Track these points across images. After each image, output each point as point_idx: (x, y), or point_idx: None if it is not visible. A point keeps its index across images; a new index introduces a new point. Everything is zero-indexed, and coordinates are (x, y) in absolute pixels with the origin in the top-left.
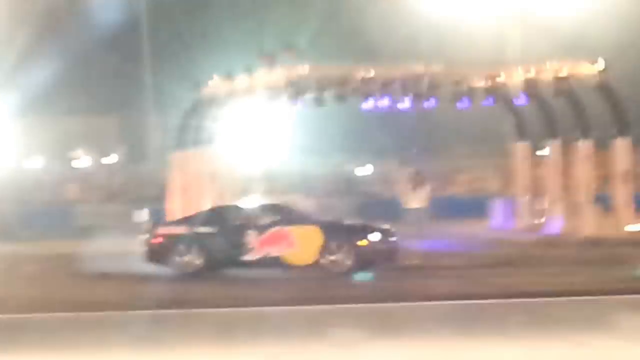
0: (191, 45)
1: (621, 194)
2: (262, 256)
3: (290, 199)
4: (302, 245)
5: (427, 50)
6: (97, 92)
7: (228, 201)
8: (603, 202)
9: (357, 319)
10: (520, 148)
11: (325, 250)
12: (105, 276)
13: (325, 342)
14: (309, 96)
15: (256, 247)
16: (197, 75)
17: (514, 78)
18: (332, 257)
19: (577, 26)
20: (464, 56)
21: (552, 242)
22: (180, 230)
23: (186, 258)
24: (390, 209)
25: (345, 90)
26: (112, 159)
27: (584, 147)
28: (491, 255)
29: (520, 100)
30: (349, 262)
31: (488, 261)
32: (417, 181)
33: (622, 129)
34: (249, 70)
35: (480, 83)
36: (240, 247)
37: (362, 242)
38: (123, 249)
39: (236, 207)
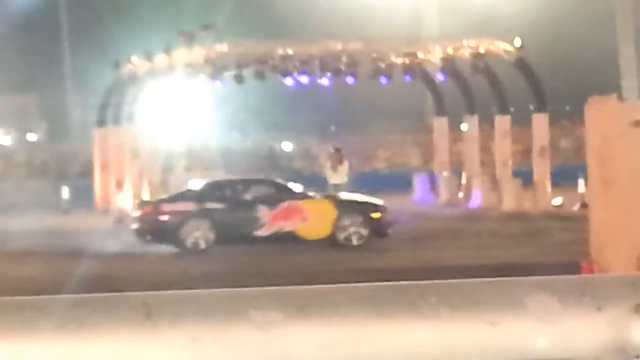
0: (110, 23)
1: (540, 168)
2: (274, 231)
3: (212, 175)
4: (315, 219)
5: (345, 27)
6: (16, 70)
7: (150, 177)
8: (523, 176)
9: (276, 300)
10: (439, 123)
11: (340, 223)
12: (27, 254)
13: (247, 323)
14: (229, 73)
15: (268, 222)
16: (116, 53)
17: (432, 55)
18: (349, 230)
19: (494, 4)
20: (382, 34)
21: (472, 216)
22: (189, 206)
23: (197, 235)
24: (313, 185)
25: (264, 67)
26: (33, 136)
27: (502, 122)
28: (413, 230)
29: (439, 77)
30: (364, 235)
31: (410, 235)
32: (336, 157)
33: (540, 104)
34: (168, 48)
35: (398, 60)
36: (252, 222)
37: (376, 215)
38: (44, 225)
39: (242, 181)
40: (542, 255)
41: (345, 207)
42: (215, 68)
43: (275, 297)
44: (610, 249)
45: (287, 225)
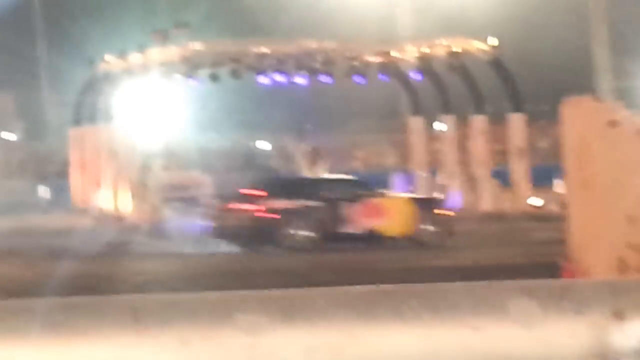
0: (85, 21)
1: (518, 168)
2: (361, 228)
3: (190, 174)
4: (394, 217)
5: (320, 26)
6: None
7: (128, 176)
8: (501, 176)
9: (262, 303)
10: (416, 123)
11: (416, 221)
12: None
13: (234, 327)
14: (204, 72)
15: (356, 219)
16: (91, 51)
17: (408, 54)
18: (425, 227)
19: (469, 3)
20: (357, 32)
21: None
22: (293, 204)
23: (302, 233)
24: None
25: (240, 66)
26: (10, 135)
27: (478, 121)
28: None
29: (414, 76)
30: (438, 231)
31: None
32: (313, 157)
33: (516, 104)
34: (142, 47)
35: (374, 59)
36: (342, 219)
37: (445, 212)
38: (21, 224)
39: (327, 179)
40: (520, 256)
41: (420, 205)
42: (191, 67)
43: (261, 300)
44: (589, 250)
45: (371, 223)
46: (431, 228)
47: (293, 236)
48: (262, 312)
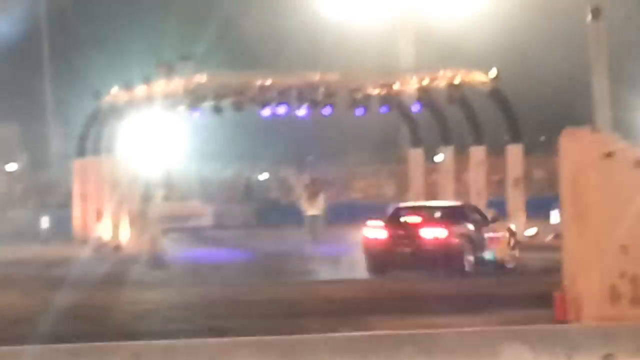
0: (90, 54)
1: (514, 199)
2: (489, 254)
3: (191, 205)
4: (502, 243)
5: (322, 58)
6: None
7: (129, 207)
8: (497, 207)
9: (261, 349)
10: (415, 154)
11: (511, 246)
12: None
13: None
14: (207, 104)
15: (488, 245)
16: (96, 84)
17: (408, 86)
18: (512, 252)
19: (470, 35)
20: (358, 64)
21: None
22: (466, 229)
23: (471, 258)
24: (290, 215)
25: (243, 98)
26: (14, 166)
27: (476, 152)
28: None
29: (414, 107)
30: (517, 257)
31: None
32: (312, 188)
33: (514, 135)
34: (147, 79)
35: (375, 91)
36: (483, 245)
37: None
38: (20, 255)
39: (463, 206)
40: (516, 286)
41: (510, 231)
42: (194, 99)
43: (260, 346)
44: (582, 279)
45: (494, 250)
46: (515, 254)
47: (469, 261)
48: (261, 357)
